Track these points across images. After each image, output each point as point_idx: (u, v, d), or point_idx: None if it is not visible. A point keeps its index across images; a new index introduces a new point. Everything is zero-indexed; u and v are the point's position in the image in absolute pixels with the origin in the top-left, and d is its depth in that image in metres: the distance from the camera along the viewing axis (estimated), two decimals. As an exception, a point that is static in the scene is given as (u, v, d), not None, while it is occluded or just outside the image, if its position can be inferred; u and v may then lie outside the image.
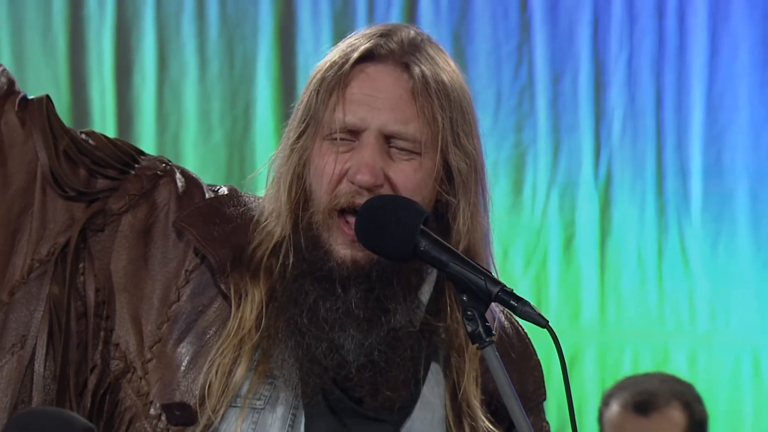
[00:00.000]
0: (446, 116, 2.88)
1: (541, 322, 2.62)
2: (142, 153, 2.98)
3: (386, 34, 2.90)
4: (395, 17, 6.07)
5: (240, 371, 2.86)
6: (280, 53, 6.13)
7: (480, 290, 2.67)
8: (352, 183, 2.83)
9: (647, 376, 4.80)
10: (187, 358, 2.88)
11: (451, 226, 2.91)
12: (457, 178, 2.90)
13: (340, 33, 6.13)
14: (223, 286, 2.89)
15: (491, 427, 2.94)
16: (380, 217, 2.81)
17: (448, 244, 2.78)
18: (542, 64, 6.10)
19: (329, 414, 2.89)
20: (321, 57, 2.90)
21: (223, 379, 2.84)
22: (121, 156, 2.95)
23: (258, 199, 2.99)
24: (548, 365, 5.14)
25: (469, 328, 2.67)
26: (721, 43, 6.05)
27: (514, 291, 2.65)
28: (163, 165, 2.98)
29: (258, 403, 2.86)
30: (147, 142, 5.99)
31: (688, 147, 6.05)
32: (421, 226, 2.74)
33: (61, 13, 6.04)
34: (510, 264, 5.98)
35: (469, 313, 2.67)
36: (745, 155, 6.01)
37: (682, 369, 5.87)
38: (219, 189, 2.99)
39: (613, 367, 5.98)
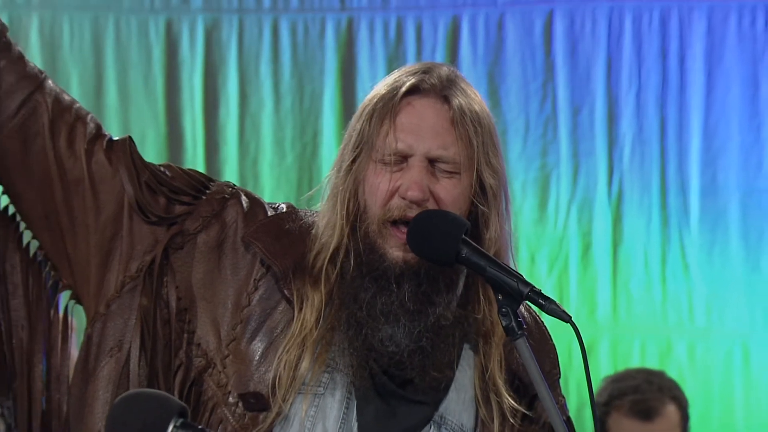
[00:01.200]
0: (479, 140, 2.99)
1: (565, 318, 2.77)
2: (211, 180, 3.13)
3: (427, 71, 3.02)
4: (439, 59, 6.12)
5: (304, 364, 2.94)
6: (342, 90, 6.24)
7: (513, 290, 2.82)
8: (403, 198, 2.95)
9: (630, 375, 4.91)
10: (259, 353, 2.97)
11: (483, 232, 3.01)
12: (489, 191, 3.01)
13: (393, 73, 6.53)
14: (286, 292, 2.98)
15: (513, 403, 3.02)
16: (428, 228, 2.92)
17: (484, 251, 2.89)
18: (564, 99, 6.17)
19: (377, 397, 2.98)
20: (375, 92, 3.03)
21: (290, 372, 2.92)
22: (194, 184, 3.09)
23: (313, 214, 3.09)
24: (569, 354, 5.60)
25: (504, 323, 2.82)
26: (715, 81, 6.10)
27: (542, 291, 2.81)
28: (230, 189, 3.10)
29: (319, 389, 2.96)
30: (231, 165, 6.19)
31: (687, 169, 6.10)
32: (463, 236, 2.87)
33: (159, 59, 6.23)
34: (536, 268, 6.07)
35: (503, 310, 2.82)
36: (736, 175, 6.05)
37: (682, 359, 5.98)
38: (279, 206, 3.10)
39: (624, 357, 6.05)
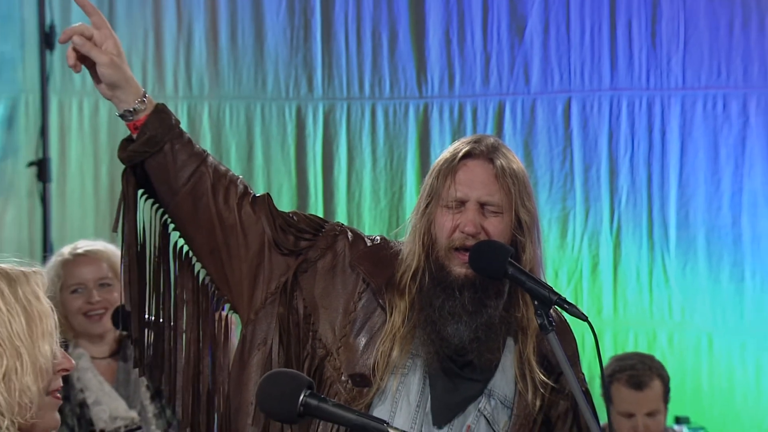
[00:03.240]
0: (516, 189, 2.98)
1: (583, 317, 2.78)
2: (326, 221, 3.12)
3: (478, 141, 3.04)
4: (489, 132, 6.03)
5: (394, 353, 2.95)
6: (420, 155, 6.19)
7: (545, 298, 2.82)
8: (462, 232, 2.96)
9: (628, 357, 4.76)
10: (362, 345, 2.97)
11: (521, 255, 2.99)
12: (525, 226, 3.00)
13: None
14: (380, 302, 2.99)
15: (543, 377, 3.00)
16: (484, 253, 2.93)
17: (524, 269, 2.88)
18: (578, 160, 6.10)
19: (444, 376, 2.98)
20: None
21: (384, 359, 2.94)
22: (314, 225, 3.08)
23: (400, 244, 3.07)
24: (583, 343, 5.49)
25: (539, 321, 2.82)
26: (687, 148, 6.03)
27: (566, 298, 2.83)
28: (339, 227, 3.09)
29: (404, 371, 2.96)
30: (341, 209, 6.16)
31: (667, 210, 6.04)
32: (509, 259, 2.86)
33: (291, 133, 6.19)
34: (559, 281, 6.02)
35: (538, 312, 2.82)
36: (702, 215, 6.01)
37: (664, 345, 5.91)
38: (375, 238, 3.09)
39: (622, 344, 5.98)
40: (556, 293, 2.81)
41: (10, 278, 1.95)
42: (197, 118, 6.13)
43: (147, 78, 6.09)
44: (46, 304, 1.98)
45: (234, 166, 5.95)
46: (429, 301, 2.97)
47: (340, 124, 6.18)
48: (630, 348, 5.94)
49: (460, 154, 3.01)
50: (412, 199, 6.03)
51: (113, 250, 3.95)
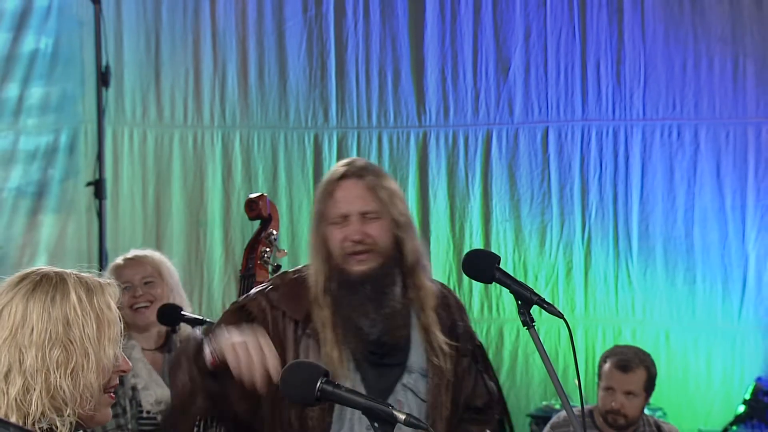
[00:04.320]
0: (387, 196, 2.92)
1: (559, 315, 2.61)
2: (243, 302, 2.98)
3: (349, 164, 2.98)
4: (479, 158, 6.05)
5: (335, 354, 2.87)
6: (419, 174, 6.08)
7: (527, 298, 2.64)
8: (351, 241, 2.91)
9: (626, 347, 4.56)
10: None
11: (404, 249, 2.93)
12: (402, 226, 2.94)
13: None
14: (308, 331, 2.89)
15: (446, 338, 2.96)
16: (477, 261, 2.77)
17: (510, 274, 2.70)
18: (555, 180, 6.08)
19: (371, 367, 2.92)
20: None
21: (333, 363, 2.84)
22: (239, 315, 2.93)
23: (305, 269, 2.98)
24: (558, 337, 5.66)
25: (522, 318, 2.64)
26: (647, 170, 5.99)
27: (544, 298, 2.65)
28: (254, 298, 2.95)
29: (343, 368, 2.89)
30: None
31: (631, 223, 6.00)
32: (496, 266, 2.68)
33: (310, 157, 6.12)
34: (538, 283, 5.96)
35: (521, 310, 2.64)
36: (660, 228, 5.96)
37: (628, 339, 5.83)
38: (280, 278, 3.01)
39: (592, 338, 5.97)
40: (536, 294, 2.71)
41: (88, 287, 1.96)
42: (230, 145, 6.14)
43: (188, 110, 6.11)
44: (116, 313, 1.98)
45: (261, 186, 6.05)
46: (339, 301, 2.91)
47: (352, 150, 6.16)
48: (600, 342, 5.98)
49: (336, 177, 2.96)
50: (414, 214, 5.98)
51: (157, 255, 3.95)
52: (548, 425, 4.46)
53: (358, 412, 2.30)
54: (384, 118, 6.17)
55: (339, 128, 6.17)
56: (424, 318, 2.97)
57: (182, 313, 3.68)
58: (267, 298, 2.94)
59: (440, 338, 2.96)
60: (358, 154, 6.15)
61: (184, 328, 3.75)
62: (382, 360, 2.94)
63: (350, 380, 2.86)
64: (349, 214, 2.93)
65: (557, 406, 5.62)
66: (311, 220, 3.02)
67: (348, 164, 3.01)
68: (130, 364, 2.04)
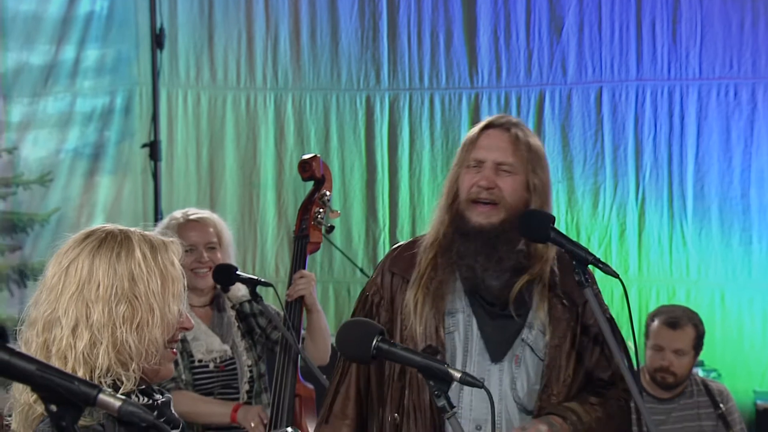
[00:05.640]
0: (529, 157, 2.89)
1: (614, 274, 2.66)
2: (365, 292, 3.03)
3: (500, 116, 2.98)
4: (531, 118, 6.03)
5: (419, 296, 2.88)
6: None
7: (582, 258, 2.69)
8: (479, 186, 2.88)
9: (673, 306, 4.58)
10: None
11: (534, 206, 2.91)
12: (535, 189, 2.90)
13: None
14: (406, 278, 2.92)
15: (567, 303, 2.90)
16: (531, 219, 2.81)
17: (564, 234, 2.74)
18: (608, 141, 6.01)
19: (490, 319, 2.90)
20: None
21: (416, 306, 2.87)
22: (368, 304, 3.00)
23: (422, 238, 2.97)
24: (612, 296, 5.53)
25: (577, 278, 2.69)
26: (702, 130, 5.95)
27: (599, 258, 2.70)
28: (371, 286, 3.01)
29: (452, 320, 2.90)
30: (404, 183, 6.11)
31: (686, 184, 5.97)
32: (551, 225, 2.73)
33: (362, 119, 6.14)
34: (591, 244, 5.93)
35: (576, 270, 2.70)
36: (715, 188, 5.94)
37: (682, 300, 5.79)
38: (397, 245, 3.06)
39: (646, 299, 5.93)
40: (591, 254, 2.70)
41: (153, 245, 1.96)
42: (282, 107, 6.16)
43: (240, 72, 6.13)
44: (179, 270, 1.99)
45: (313, 148, 6.10)
46: (449, 246, 2.87)
47: (403, 111, 6.16)
48: (653, 303, 5.92)
49: (483, 125, 2.96)
50: (465, 175, 6.05)
51: (217, 218, 3.92)
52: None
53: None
54: (436, 80, 6.12)
55: (391, 90, 6.17)
56: (543, 285, 2.90)
57: (237, 273, 3.69)
58: (381, 269, 2.94)
59: (562, 298, 2.89)
60: (410, 115, 6.15)
61: (236, 288, 3.79)
62: (503, 311, 2.88)
63: (463, 327, 2.83)
64: (484, 161, 2.89)
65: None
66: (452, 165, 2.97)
67: (499, 116, 2.98)
68: (193, 322, 2.05)
